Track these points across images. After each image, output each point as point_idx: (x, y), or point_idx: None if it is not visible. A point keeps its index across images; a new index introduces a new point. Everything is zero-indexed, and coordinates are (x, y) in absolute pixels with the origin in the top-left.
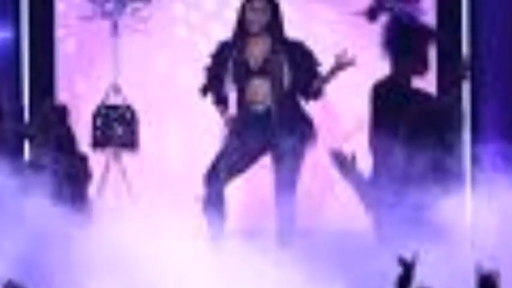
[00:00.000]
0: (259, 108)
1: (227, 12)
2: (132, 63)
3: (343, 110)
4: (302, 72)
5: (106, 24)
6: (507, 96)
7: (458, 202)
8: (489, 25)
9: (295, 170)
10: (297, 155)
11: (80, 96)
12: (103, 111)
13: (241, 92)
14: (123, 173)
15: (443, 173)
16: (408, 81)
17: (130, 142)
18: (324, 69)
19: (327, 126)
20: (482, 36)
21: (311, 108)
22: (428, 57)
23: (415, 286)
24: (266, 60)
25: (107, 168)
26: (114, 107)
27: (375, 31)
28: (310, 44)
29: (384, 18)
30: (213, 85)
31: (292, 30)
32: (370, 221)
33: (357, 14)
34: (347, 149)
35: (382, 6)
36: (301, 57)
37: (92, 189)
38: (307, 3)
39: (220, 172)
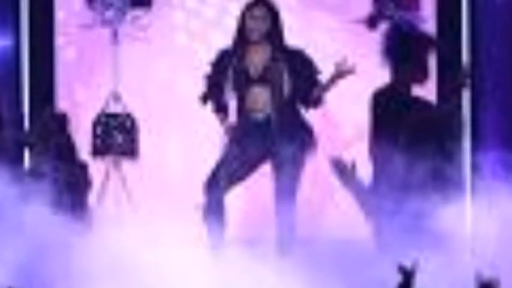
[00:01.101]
0: (259, 116)
1: (227, 20)
2: (132, 71)
3: (343, 118)
4: (302, 80)
5: (106, 32)
6: (507, 104)
7: (458, 210)
8: (489, 33)
9: (295, 178)
10: (297, 163)
11: (80, 104)
12: (103, 119)
13: (241, 100)
14: (123, 181)
15: (443, 181)
16: (408, 89)
17: (130, 150)
18: (324, 77)
19: (327, 134)
20: (482, 44)
21: (311, 116)
22: (428, 65)
23: None
24: (266, 68)
25: (107, 176)
26: (114, 115)
27: (374, 39)
28: (310, 52)
29: (383, 26)
30: (213, 93)
31: (292, 38)
32: (370, 229)
33: (357, 22)
34: (347, 157)
35: (382, 14)
36: (301, 65)
37: (92, 197)
38: (307, 11)
39: (220, 180)
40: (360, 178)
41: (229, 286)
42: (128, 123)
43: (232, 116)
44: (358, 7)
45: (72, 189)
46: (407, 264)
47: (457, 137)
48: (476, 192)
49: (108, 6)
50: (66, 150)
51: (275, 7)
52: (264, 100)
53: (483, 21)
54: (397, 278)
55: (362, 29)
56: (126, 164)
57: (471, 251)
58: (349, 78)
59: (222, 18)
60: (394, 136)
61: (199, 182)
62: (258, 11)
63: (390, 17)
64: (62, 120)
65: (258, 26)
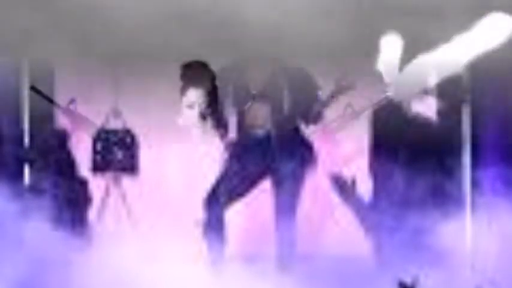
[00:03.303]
0: (259, 132)
1: None
2: (132, 87)
3: (343, 134)
4: (302, 96)
5: None
6: (507, 121)
7: (458, 226)
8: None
9: (295, 194)
10: (297, 179)
11: (80, 120)
12: (103, 135)
13: (241, 116)
14: (123, 197)
15: (443, 197)
16: (408, 105)
17: (130, 166)
18: (323, 93)
19: (327, 150)
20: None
21: (311, 132)
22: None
23: None
24: (266, 84)
25: (106, 192)
26: (114, 131)
27: None
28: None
29: None
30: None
31: None
32: (370, 245)
33: None
34: (347, 173)
35: None
36: (301, 81)
37: (92, 214)
38: None
39: (220, 196)
40: (360, 194)
41: None
42: (128, 139)
43: (232, 132)
44: None
45: (72, 205)
46: (408, 280)
47: (457, 153)
48: (476, 208)
49: None
50: (66, 166)
51: None
52: (264, 116)
53: None
54: None
55: None
56: (126, 180)
57: (471, 266)
58: (349, 93)
59: None
60: (394, 152)
61: (199, 198)
62: None
63: None
64: (62, 137)
65: None
